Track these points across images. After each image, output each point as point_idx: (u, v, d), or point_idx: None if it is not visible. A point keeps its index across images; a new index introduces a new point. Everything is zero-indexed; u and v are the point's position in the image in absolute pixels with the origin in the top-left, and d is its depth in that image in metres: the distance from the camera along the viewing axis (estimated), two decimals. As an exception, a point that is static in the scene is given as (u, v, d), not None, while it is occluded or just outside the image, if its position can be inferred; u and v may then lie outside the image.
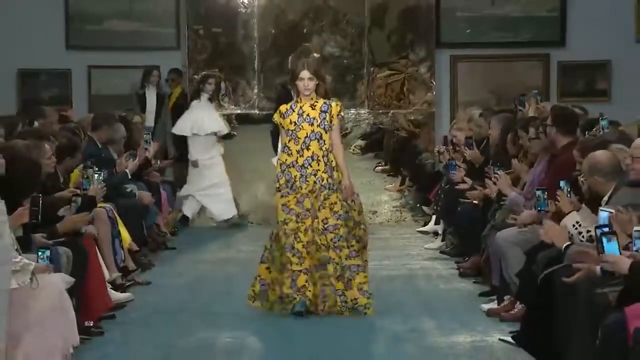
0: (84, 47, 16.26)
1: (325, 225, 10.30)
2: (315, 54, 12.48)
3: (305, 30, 17.00)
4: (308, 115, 10.31)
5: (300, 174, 10.25)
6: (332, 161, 10.36)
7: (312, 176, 10.25)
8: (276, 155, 11.86)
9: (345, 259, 10.24)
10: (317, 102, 10.37)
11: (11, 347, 8.27)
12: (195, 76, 15.88)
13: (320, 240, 10.27)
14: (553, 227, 8.42)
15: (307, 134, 10.27)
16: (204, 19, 16.79)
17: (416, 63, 17.01)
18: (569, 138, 10.32)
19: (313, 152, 10.27)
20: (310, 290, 10.11)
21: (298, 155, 10.30)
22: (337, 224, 10.29)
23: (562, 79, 16.29)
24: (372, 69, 17.10)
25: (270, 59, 16.88)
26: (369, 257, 10.66)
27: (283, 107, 10.51)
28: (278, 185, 10.37)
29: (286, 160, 10.35)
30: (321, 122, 10.29)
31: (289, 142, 10.36)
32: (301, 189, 10.24)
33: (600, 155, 8.63)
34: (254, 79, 16.93)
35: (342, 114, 10.64)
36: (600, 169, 8.54)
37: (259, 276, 10.36)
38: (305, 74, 10.29)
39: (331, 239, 10.28)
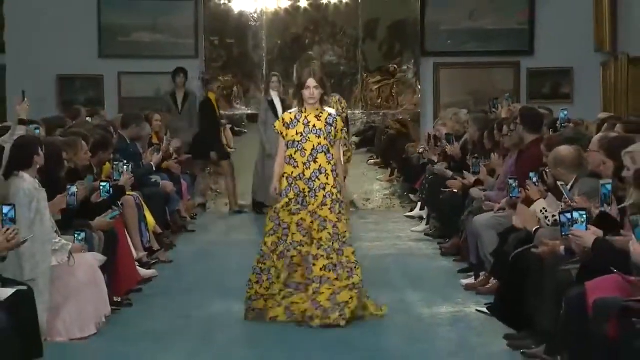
0: (114, 56, 16.24)
1: (324, 224, 8.81)
2: (316, 62, 11.96)
3: (307, 42, 16.97)
4: (314, 126, 8.92)
5: (309, 188, 8.87)
6: (340, 176, 9.08)
7: (322, 190, 8.86)
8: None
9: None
10: (322, 112, 9.01)
11: (51, 317, 8.29)
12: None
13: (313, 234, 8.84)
14: (525, 211, 8.42)
15: (314, 145, 8.88)
16: (219, 32, 16.77)
17: (404, 70, 17.00)
18: (536, 135, 10.30)
19: (320, 165, 8.88)
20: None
21: (305, 167, 8.89)
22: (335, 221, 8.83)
23: (530, 84, 16.28)
24: (365, 74, 17.08)
25: (277, 66, 16.84)
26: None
27: (287, 117, 9.11)
28: (287, 200, 8.89)
29: (292, 172, 8.93)
30: (327, 135, 8.93)
31: (294, 153, 8.91)
32: (310, 204, 8.84)
33: (563, 150, 8.64)
34: (262, 84, 16.90)
35: (345, 128, 9.76)
36: (564, 162, 8.55)
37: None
38: (311, 82, 8.93)
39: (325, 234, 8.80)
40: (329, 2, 16.75)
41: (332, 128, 8.95)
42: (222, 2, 16.55)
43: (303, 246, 8.81)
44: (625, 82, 14.08)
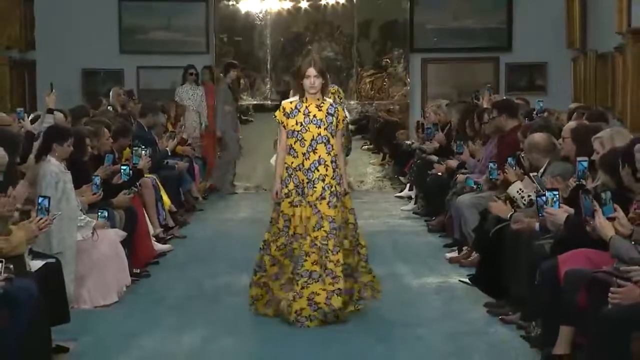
0: (133, 52, 16.18)
1: (322, 222, 7.89)
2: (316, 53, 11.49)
3: (307, 39, 16.90)
4: (315, 116, 7.96)
5: (308, 179, 7.92)
6: (340, 168, 8.10)
7: (320, 181, 7.90)
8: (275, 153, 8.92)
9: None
10: (323, 102, 8.05)
11: (77, 286, 8.31)
12: (221, 75, 15.75)
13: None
14: (498, 206, 8.42)
15: (313, 136, 7.93)
16: (228, 30, 16.72)
17: (394, 64, 16.95)
18: (514, 123, 10.30)
19: (320, 156, 7.92)
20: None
21: (304, 158, 7.95)
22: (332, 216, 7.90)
23: (508, 77, 16.23)
24: (359, 69, 17.02)
25: (280, 61, 16.82)
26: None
27: (287, 106, 8.10)
28: (287, 191, 7.98)
29: (292, 163, 8.00)
30: (328, 125, 7.96)
31: (294, 143, 7.97)
32: (308, 196, 7.91)
33: (537, 136, 8.63)
34: (267, 77, 16.89)
35: (347, 119, 8.71)
36: (537, 147, 8.54)
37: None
38: (311, 71, 7.97)
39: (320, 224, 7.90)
40: (327, 4, 16.70)
41: (333, 118, 7.99)
42: (230, 3, 16.51)
43: (305, 239, 7.88)
44: (593, 76, 14.05)
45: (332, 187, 7.89)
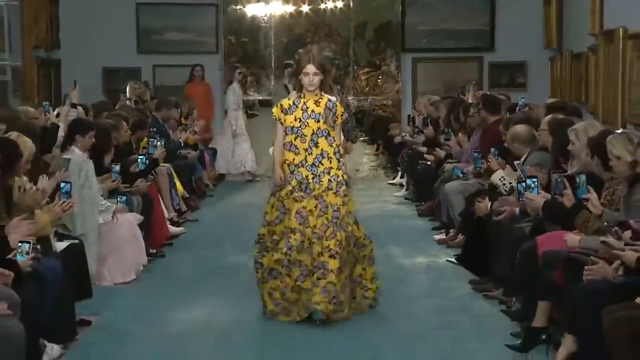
0: (150, 52, 16.16)
1: (326, 209, 7.25)
2: (315, 46, 10.44)
3: (307, 40, 16.85)
4: (313, 111, 7.28)
5: (312, 174, 7.25)
6: (343, 158, 7.48)
7: (326, 174, 7.25)
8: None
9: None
10: (321, 98, 7.35)
11: (99, 266, 8.34)
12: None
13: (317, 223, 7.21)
14: (479, 207, 8.42)
15: (313, 130, 7.26)
16: (235, 32, 16.70)
17: (388, 63, 16.93)
18: (496, 116, 10.30)
19: (322, 150, 7.27)
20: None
21: (306, 153, 7.28)
22: (338, 204, 7.26)
23: (491, 75, 16.20)
24: (355, 67, 17.01)
25: (283, 61, 16.82)
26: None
27: (285, 103, 7.42)
28: (291, 188, 7.27)
29: (294, 159, 7.30)
30: (326, 119, 7.29)
31: (294, 139, 7.28)
32: (315, 190, 7.24)
33: (519, 128, 8.63)
34: (271, 75, 16.88)
35: (345, 114, 7.76)
36: (518, 138, 8.54)
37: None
38: (310, 68, 7.24)
39: (330, 219, 7.23)
40: (326, 8, 16.67)
41: (331, 113, 7.29)
42: (238, 7, 16.48)
43: (295, 234, 7.16)
44: (569, 74, 14.04)
45: (338, 177, 7.25)
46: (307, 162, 7.25)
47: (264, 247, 7.42)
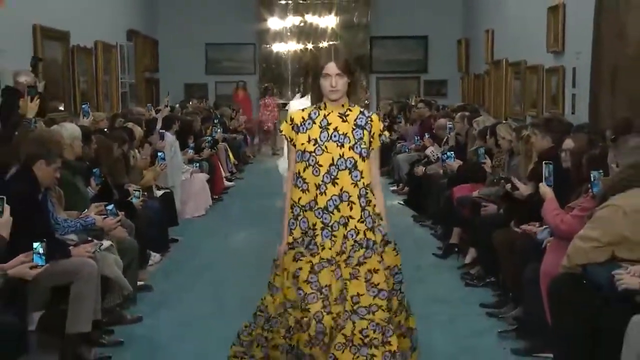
0: (213, 73, 15.96)
1: (355, 307, 2.92)
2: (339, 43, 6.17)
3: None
4: (336, 130, 3.04)
5: (323, 223, 3.00)
6: (373, 205, 3.06)
7: (342, 227, 3.00)
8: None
9: None
10: (349, 110, 3.08)
11: (182, 205, 8.24)
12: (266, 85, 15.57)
13: (342, 330, 2.89)
14: (418, 170, 8.27)
15: (333, 159, 3.01)
16: (266, 61, 16.51)
17: (361, 80, 16.78)
18: (429, 113, 10.23)
19: (342, 189, 3.00)
20: None
21: (318, 192, 3.00)
22: (373, 304, 2.94)
23: (426, 88, 15.96)
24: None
25: (297, 79, 16.71)
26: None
27: (297, 116, 3.10)
28: (291, 240, 3.07)
29: (299, 199, 3.05)
30: (356, 142, 3.03)
31: (304, 170, 3.03)
32: (323, 248, 2.99)
33: (442, 120, 8.54)
34: (288, 87, 16.78)
35: (385, 133, 3.15)
36: (442, 127, 8.45)
37: None
38: (332, 67, 2.99)
39: (361, 330, 2.89)
40: (323, 46, 16.50)
41: (364, 131, 3.09)
42: (267, 45, 16.33)
43: (295, 309, 3.03)
44: (472, 88, 13.87)
45: (358, 233, 3.05)
46: (317, 204, 3.07)
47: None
